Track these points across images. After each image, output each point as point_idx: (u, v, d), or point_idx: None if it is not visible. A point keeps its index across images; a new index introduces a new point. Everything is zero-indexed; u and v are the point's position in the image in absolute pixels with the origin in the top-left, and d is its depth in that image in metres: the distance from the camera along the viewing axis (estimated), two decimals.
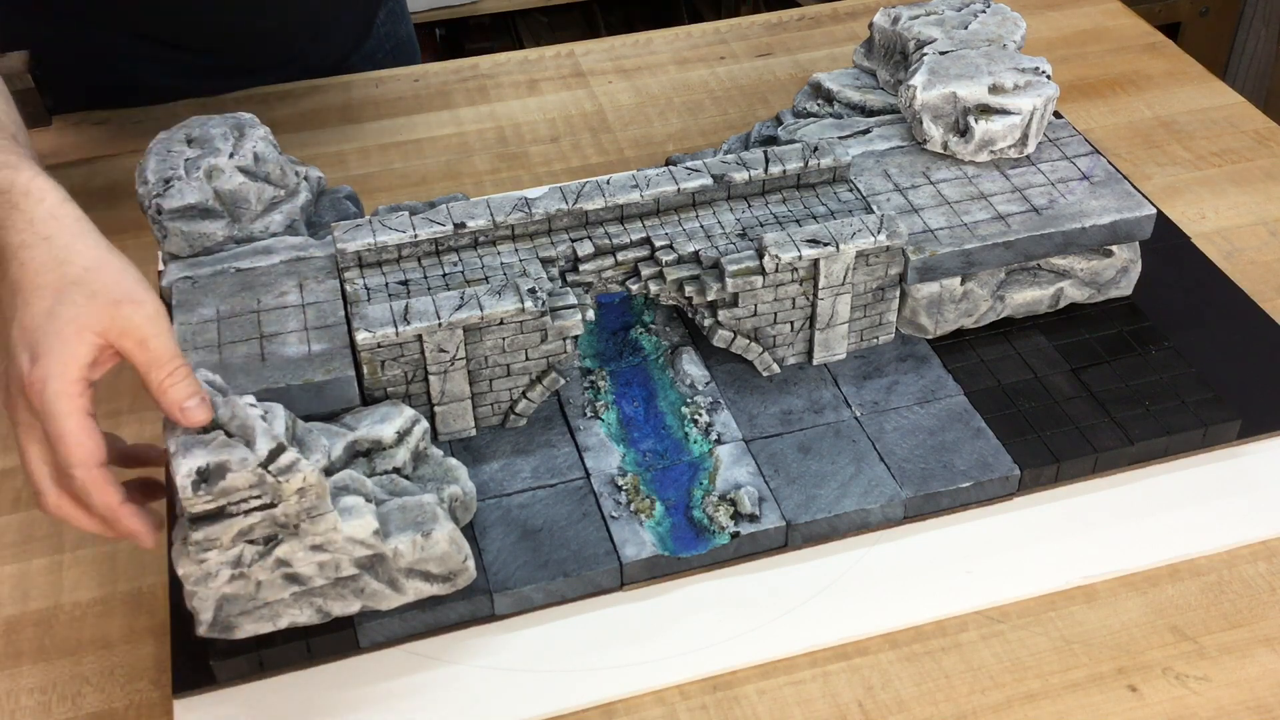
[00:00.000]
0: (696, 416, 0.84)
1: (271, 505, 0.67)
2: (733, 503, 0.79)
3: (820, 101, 1.02)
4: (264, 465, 0.65)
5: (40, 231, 0.66)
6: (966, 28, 0.98)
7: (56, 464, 0.65)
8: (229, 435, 0.67)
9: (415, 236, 0.83)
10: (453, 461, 0.78)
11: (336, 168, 1.15)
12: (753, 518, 0.78)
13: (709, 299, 0.84)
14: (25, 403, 0.64)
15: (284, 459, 0.66)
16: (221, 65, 1.21)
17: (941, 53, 0.95)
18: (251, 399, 0.68)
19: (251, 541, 0.68)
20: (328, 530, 0.68)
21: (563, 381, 0.83)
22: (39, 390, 0.63)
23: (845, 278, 0.85)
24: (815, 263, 0.83)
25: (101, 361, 0.65)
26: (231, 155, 0.87)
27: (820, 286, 0.85)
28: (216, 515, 0.66)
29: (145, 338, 0.65)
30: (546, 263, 0.84)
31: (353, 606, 0.72)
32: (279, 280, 0.83)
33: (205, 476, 0.65)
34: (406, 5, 1.36)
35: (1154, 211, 0.90)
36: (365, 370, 0.79)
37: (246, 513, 0.67)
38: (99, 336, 0.64)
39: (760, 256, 0.83)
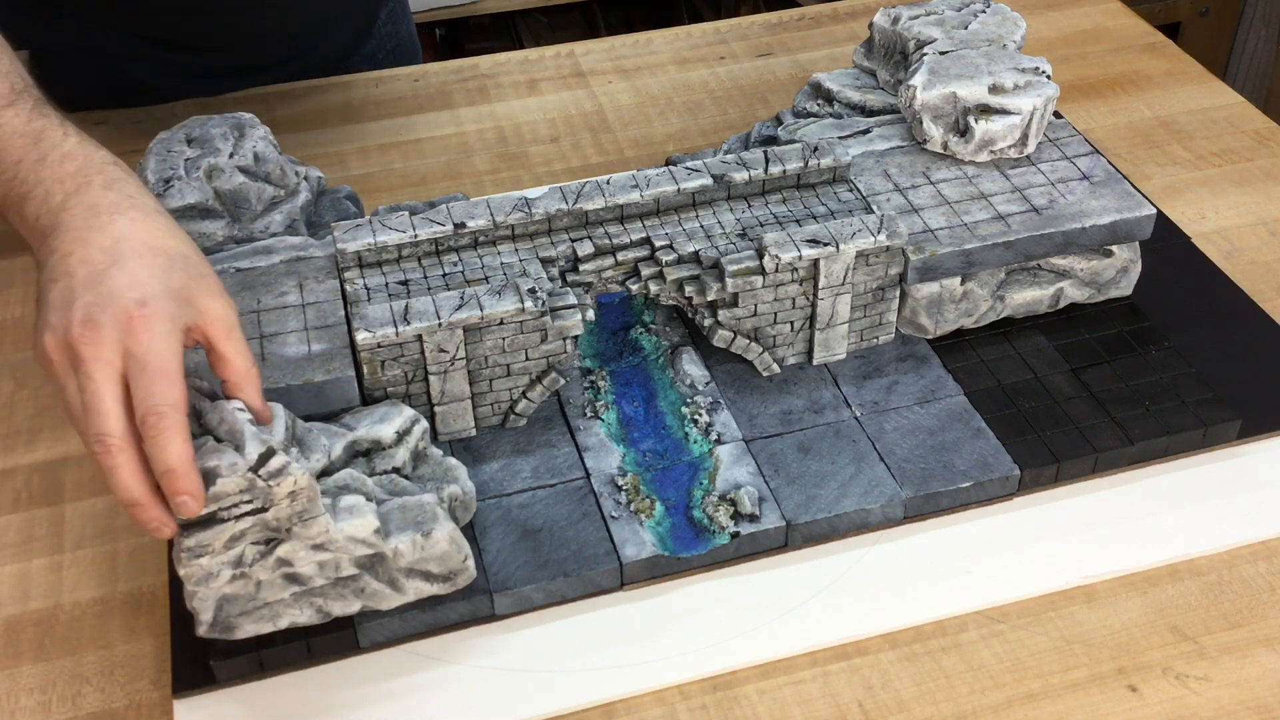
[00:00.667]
0: (696, 416, 0.84)
1: (263, 509, 0.67)
2: (733, 503, 0.79)
3: (820, 101, 1.02)
4: (254, 470, 0.65)
5: (151, 204, 0.70)
6: (966, 28, 0.98)
7: (135, 406, 0.64)
8: (218, 440, 0.66)
9: (415, 236, 0.83)
10: (452, 461, 0.78)
11: (336, 168, 1.15)
12: (753, 518, 0.78)
13: (709, 299, 0.84)
14: (114, 338, 0.64)
15: (274, 463, 0.65)
16: (222, 65, 1.21)
17: (941, 53, 0.95)
18: (239, 404, 0.68)
19: (253, 543, 0.68)
20: (319, 534, 0.68)
21: (563, 381, 0.83)
22: (149, 325, 0.64)
23: (845, 278, 0.85)
24: (815, 263, 0.83)
25: (189, 335, 0.68)
26: (231, 155, 0.87)
27: (820, 286, 0.85)
28: (208, 521, 0.66)
29: (232, 329, 0.69)
30: (546, 263, 0.84)
31: (353, 606, 0.72)
32: (279, 280, 0.83)
33: None
34: (408, 5, 1.36)
35: (1154, 211, 0.90)
36: (365, 370, 0.79)
37: (238, 518, 0.67)
38: (198, 315, 0.67)
39: (760, 256, 0.83)
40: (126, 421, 0.64)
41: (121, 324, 0.64)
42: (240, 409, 0.68)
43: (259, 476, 0.65)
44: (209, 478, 0.65)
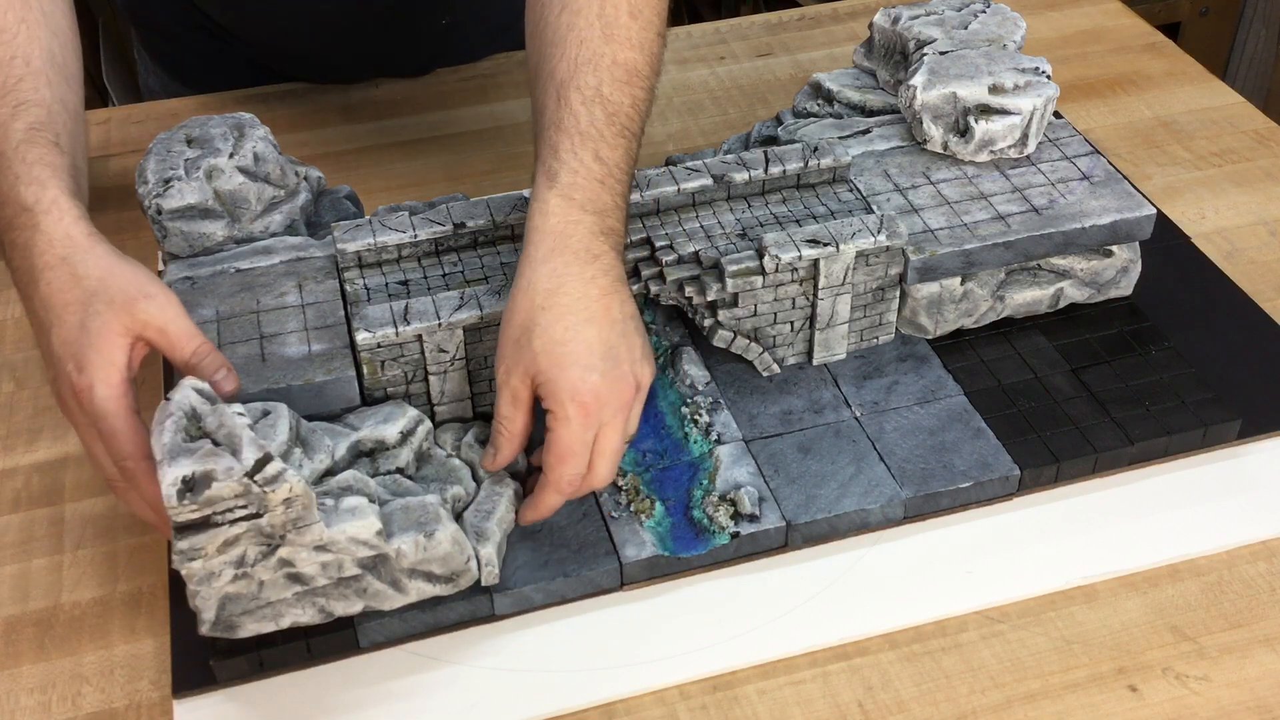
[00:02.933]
0: (696, 416, 0.84)
1: (257, 515, 0.66)
2: (733, 503, 0.79)
3: (820, 101, 1.02)
4: (250, 475, 0.65)
5: (59, 252, 0.73)
6: (966, 28, 0.98)
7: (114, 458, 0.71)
8: (216, 444, 0.66)
9: (415, 236, 0.83)
10: (456, 462, 0.78)
11: (336, 168, 1.15)
12: (753, 518, 0.78)
13: (709, 299, 0.84)
14: (78, 406, 0.71)
15: (270, 469, 0.65)
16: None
17: (941, 53, 0.95)
18: (240, 408, 0.68)
19: (254, 545, 0.68)
20: (313, 541, 0.68)
21: None
22: (88, 397, 0.70)
23: (845, 278, 0.85)
24: (815, 263, 0.83)
25: (135, 358, 0.72)
26: (231, 155, 0.87)
27: (820, 286, 0.85)
28: (202, 525, 0.66)
29: (162, 326, 0.72)
30: None
31: (355, 607, 0.72)
32: (279, 280, 0.83)
33: (191, 485, 0.64)
34: None
35: (1154, 211, 0.90)
36: (365, 370, 0.79)
37: (232, 522, 0.66)
38: (125, 336, 0.71)
39: (760, 256, 0.83)
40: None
41: (74, 396, 0.71)
42: (240, 413, 0.67)
43: (255, 482, 0.65)
44: (204, 481, 0.64)
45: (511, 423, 0.75)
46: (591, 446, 0.74)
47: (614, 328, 0.74)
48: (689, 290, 0.85)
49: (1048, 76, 0.93)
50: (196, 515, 0.65)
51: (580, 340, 0.72)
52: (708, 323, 0.86)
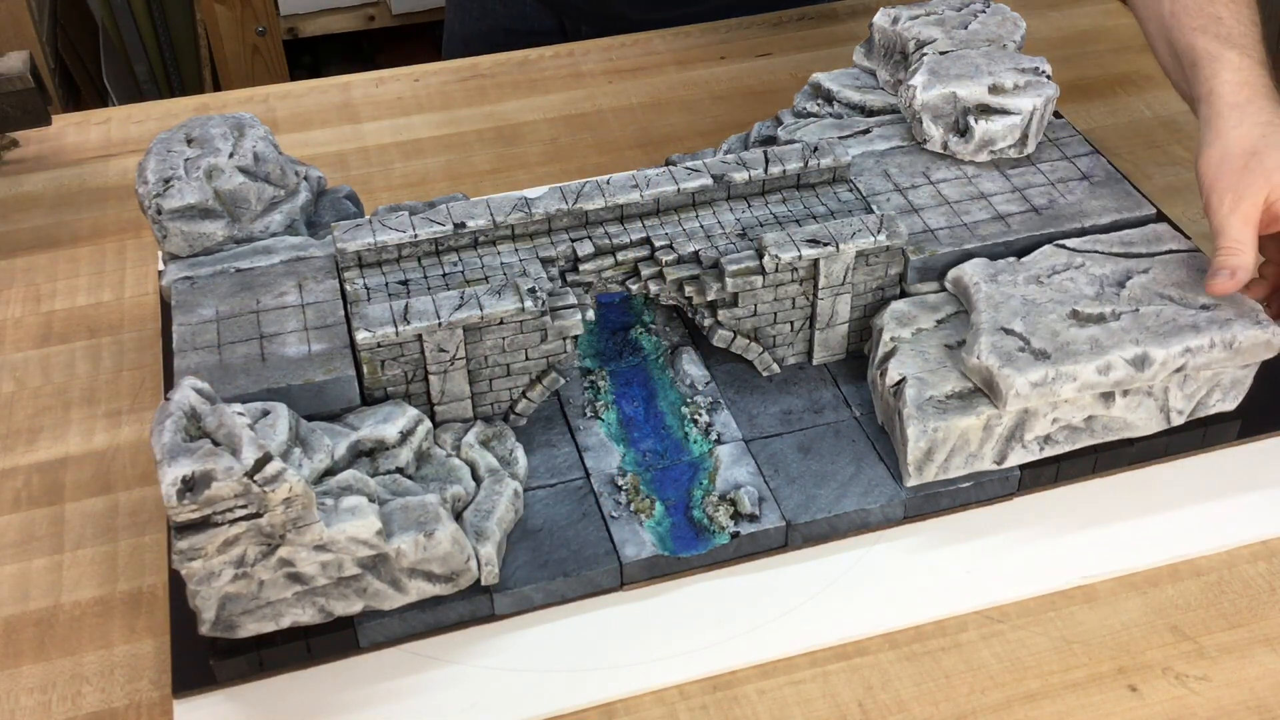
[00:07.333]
0: (696, 416, 0.84)
1: (257, 515, 0.66)
2: (733, 503, 0.79)
3: (820, 101, 1.02)
4: (249, 475, 0.65)
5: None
6: (966, 28, 0.98)
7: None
8: (215, 444, 0.66)
9: (415, 236, 0.83)
10: (456, 462, 0.78)
11: (336, 168, 1.15)
12: (753, 518, 0.78)
13: (709, 299, 0.84)
14: None
15: (270, 469, 0.65)
16: None
17: (941, 53, 0.95)
18: (240, 408, 0.68)
19: (253, 545, 0.68)
20: (313, 541, 0.68)
21: (563, 381, 0.83)
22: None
23: (845, 278, 0.85)
24: (815, 263, 0.83)
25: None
26: (231, 155, 0.87)
27: (820, 286, 0.85)
28: (202, 524, 0.66)
29: None
30: (546, 263, 0.84)
31: (355, 606, 0.72)
32: (279, 280, 0.83)
33: (190, 485, 0.65)
34: None
35: (1154, 211, 0.90)
36: (365, 370, 0.79)
37: (232, 522, 0.66)
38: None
39: (760, 256, 0.83)
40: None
41: None
42: (240, 413, 0.67)
43: (254, 482, 0.65)
44: (204, 481, 0.64)
45: (1246, 245, 0.82)
46: None
47: None
48: (689, 290, 0.85)
49: (1048, 76, 0.93)
50: (196, 515, 0.65)
51: None
52: (708, 323, 0.86)
